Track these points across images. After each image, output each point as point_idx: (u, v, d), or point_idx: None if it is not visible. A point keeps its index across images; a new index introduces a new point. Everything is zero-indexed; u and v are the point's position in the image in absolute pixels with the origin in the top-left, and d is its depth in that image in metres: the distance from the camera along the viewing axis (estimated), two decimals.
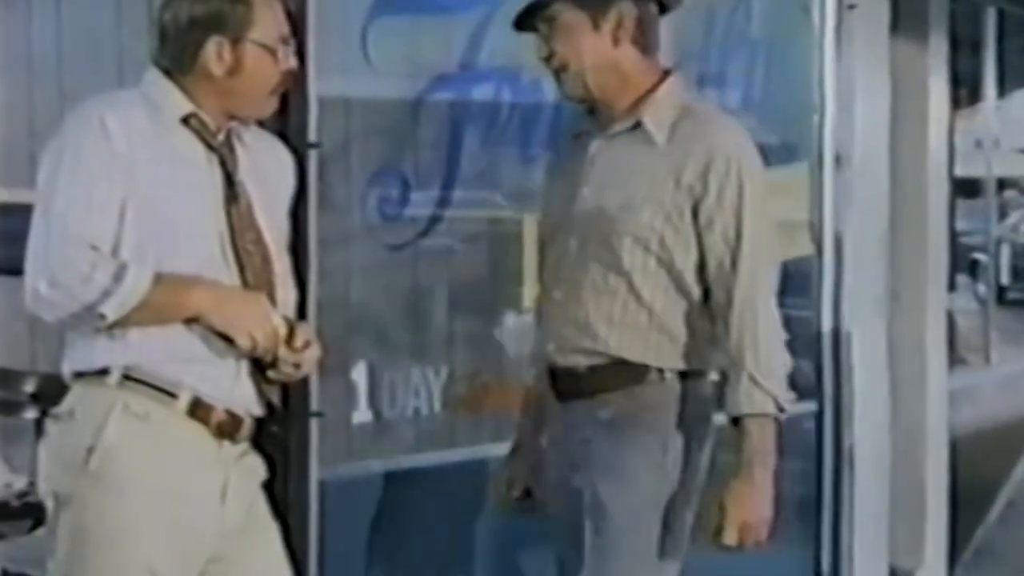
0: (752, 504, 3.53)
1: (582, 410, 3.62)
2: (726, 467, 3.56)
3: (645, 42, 3.62)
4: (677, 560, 3.60)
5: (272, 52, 3.24)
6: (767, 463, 3.54)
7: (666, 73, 3.66)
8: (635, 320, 3.57)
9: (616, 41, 3.59)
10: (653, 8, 3.65)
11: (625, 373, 3.58)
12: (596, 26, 3.58)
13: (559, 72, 3.63)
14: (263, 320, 3.17)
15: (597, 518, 3.57)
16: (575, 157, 3.69)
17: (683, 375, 3.59)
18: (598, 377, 3.60)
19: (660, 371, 3.58)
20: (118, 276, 3.04)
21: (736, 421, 3.54)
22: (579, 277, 3.61)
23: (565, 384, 3.66)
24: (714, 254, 3.54)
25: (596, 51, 3.58)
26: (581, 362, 3.61)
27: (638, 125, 3.59)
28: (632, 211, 3.54)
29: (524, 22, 3.66)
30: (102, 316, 3.05)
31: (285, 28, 3.28)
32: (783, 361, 3.60)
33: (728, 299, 3.53)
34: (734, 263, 3.53)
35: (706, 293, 3.57)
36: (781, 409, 3.55)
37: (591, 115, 3.69)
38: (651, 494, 3.55)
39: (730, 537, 3.53)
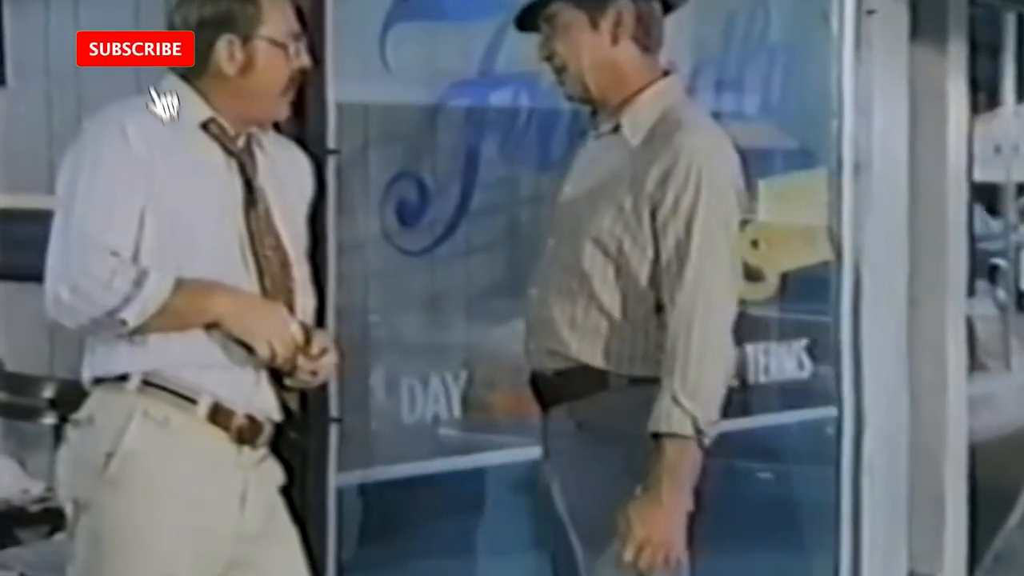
0: (654, 524, 3.33)
1: (554, 418, 3.57)
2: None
3: (647, 40, 3.53)
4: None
5: (283, 48, 3.25)
6: (678, 484, 3.35)
7: (665, 74, 3.57)
8: (596, 325, 3.48)
9: (615, 39, 3.50)
10: (656, 6, 3.56)
11: (588, 379, 3.49)
12: (595, 24, 3.50)
13: (560, 72, 3.56)
14: (281, 329, 3.17)
15: (576, 528, 3.51)
16: (573, 157, 3.64)
17: (651, 383, 3.41)
18: (564, 382, 3.52)
19: (623, 378, 3.47)
20: (139, 282, 3.04)
21: (656, 436, 3.36)
22: (550, 278, 3.55)
23: (539, 389, 3.60)
24: (664, 261, 3.41)
25: (594, 50, 3.50)
26: (549, 366, 3.55)
27: (619, 126, 3.52)
28: (595, 214, 3.46)
29: (526, 22, 3.60)
30: (123, 322, 3.05)
31: (295, 25, 3.28)
32: (716, 385, 3.38)
33: (670, 308, 3.40)
34: (680, 272, 3.38)
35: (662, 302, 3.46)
36: (700, 432, 3.35)
37: (594, 116, 3.62)
38: (620, 502, 3.38)
39: (628, 554, 3.35)
